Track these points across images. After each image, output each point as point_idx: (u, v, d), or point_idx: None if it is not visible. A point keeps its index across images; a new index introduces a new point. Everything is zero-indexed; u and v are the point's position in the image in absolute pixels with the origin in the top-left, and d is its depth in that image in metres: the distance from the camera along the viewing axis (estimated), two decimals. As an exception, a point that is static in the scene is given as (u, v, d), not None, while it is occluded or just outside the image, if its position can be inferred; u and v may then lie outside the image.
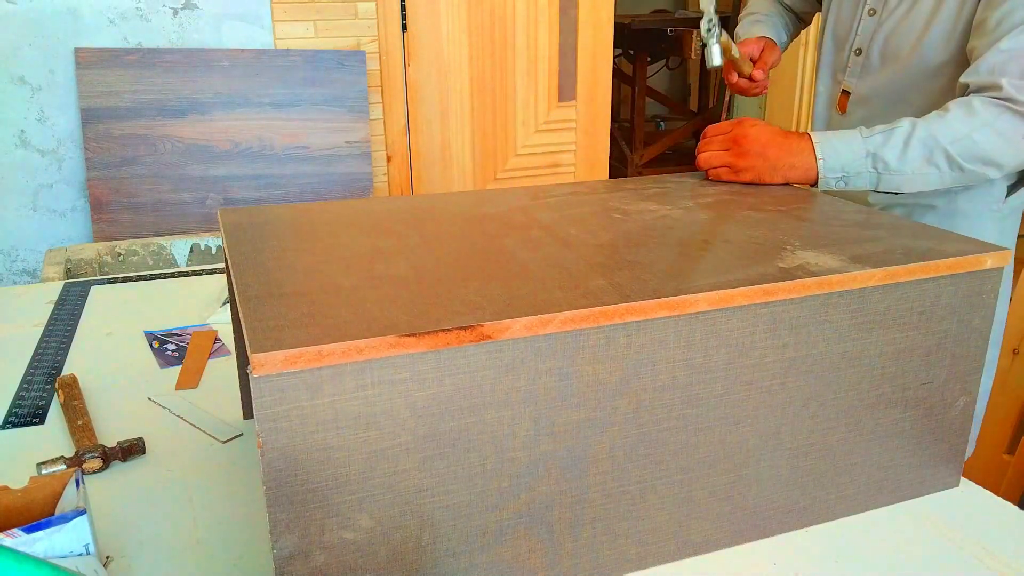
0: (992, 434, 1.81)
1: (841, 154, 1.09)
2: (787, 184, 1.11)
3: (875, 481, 0.86)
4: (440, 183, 2.79)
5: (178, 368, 1.17)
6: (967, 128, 1.05)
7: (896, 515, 0.87)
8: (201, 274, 1.59)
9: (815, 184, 1.11)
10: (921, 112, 1.15)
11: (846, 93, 1.33)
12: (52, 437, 0.99)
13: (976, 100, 1.07)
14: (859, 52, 1.29)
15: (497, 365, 0.65)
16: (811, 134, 1.11)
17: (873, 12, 1.26)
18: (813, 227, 0.90)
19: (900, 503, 0.88)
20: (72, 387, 1.07)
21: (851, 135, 1.10)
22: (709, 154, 1.14)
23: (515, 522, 0.71)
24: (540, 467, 0.70)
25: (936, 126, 1.07)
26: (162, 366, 1.18)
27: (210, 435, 0.99)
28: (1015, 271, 1.47)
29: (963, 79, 1.11)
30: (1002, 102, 1.05)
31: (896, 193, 1.12)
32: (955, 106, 1.08)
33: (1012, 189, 1.25)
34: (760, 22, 1.47)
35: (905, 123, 1.08)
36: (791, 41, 1.54)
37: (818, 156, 1.09)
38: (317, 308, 0.66)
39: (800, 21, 1.56)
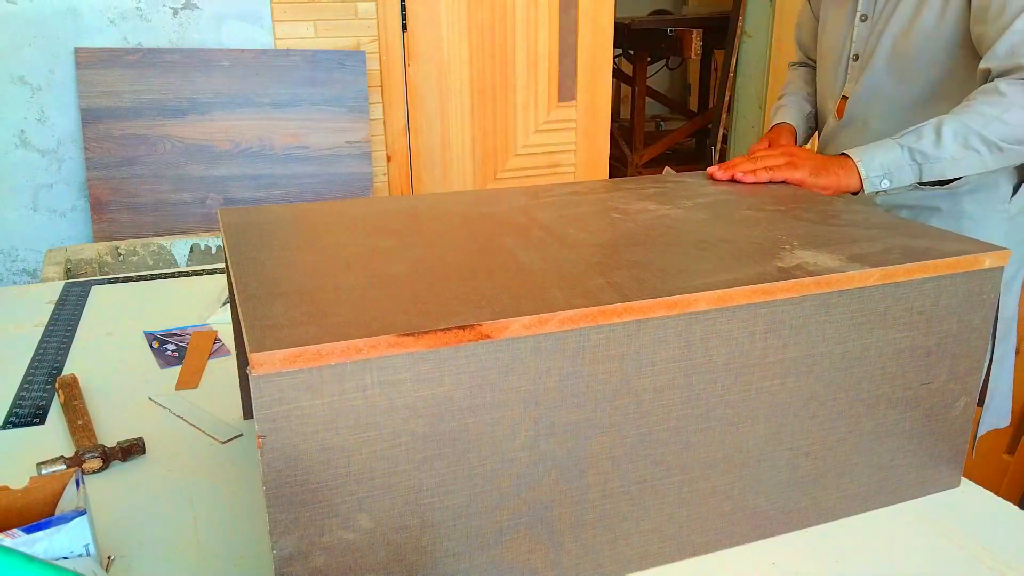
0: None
1: (877, 156, 1.11)
2: (843, 191, 1.12)
3: (875, 481, 0.86)
4: (440, 183, 2.79)
5: (178, 368, 1.17)
6: (996, 111, 1.07)
7: (896, 515, 0.87)
8: (201, 274, 1.59)
9: (861, 188, 1.12)
10: (918, 107, 1.16)
11: (844, 98, 1.33)
12: (52, 437, 0.99)
13: (1002, 83, 1.08)
14: (856, 58, 1.30)
15: (497, 365, 0.65)
16: (845, 152, 1.13)
17: (865, 18, 1.28)
18: (811, 227, 0.90)
19: (900, 503, 0.88)
20: (72, 387, 1.07)
21: (882, 141, 1.12)
22: (767, 157, 1.13)
23: (515, 522, 0.71)
24: (540, 467, 0.70)
25: (965, 116, 1.08)
26: (162, 366, 1.18)
27: (210, 435, 0.99)
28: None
29: (983, 64, 1.12)
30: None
31: (941, 183, 1.13)
32: (980, 94, 1.09)
33: (1017, 188, 1.25)
34: (783, 107, 1.49)
35: (931, 121, 1.10)
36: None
37: (856, 159, 1.11)
38: (316, 308, 0.66)
39: None
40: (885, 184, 1.11)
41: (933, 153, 1.08)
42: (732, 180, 1.12)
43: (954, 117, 1.09)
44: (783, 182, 1.12)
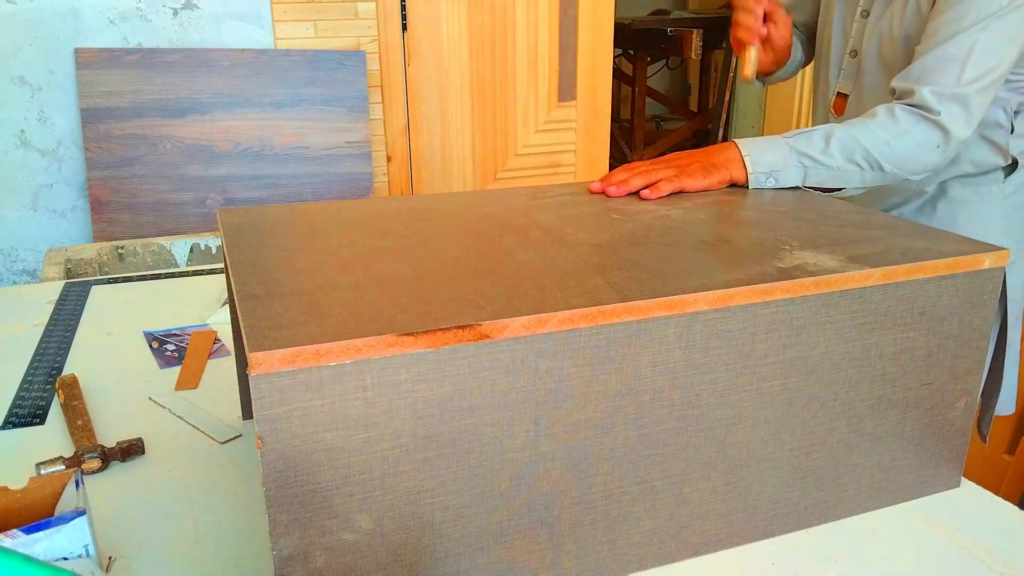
0: (992, 434, 1.81)
1: (765, 152, 1.10)
2: (732, 183, 1.10)
3: (876, 482, 0.86)
4: (440, 183, 2.79)
5: (178, 368, 1.17)
6: (887, 135, 1.09)
7: (896, 515, 0.86)
8: (201, 274, 1.59)
9: (747, 183, 1.11)
10: None
11: (842, 95, 1.33)
12: (52, 437, 0.99)
13: (898, 109, 1.11)
14: (854, 54, 1.30)
15: (497, 366, 0.65)
16: (735, 140, 1.13)
17: (866, 14, 1.28)
18: (811, 227, 0.90)
19: (900, 503, 0.88)
20: (72, 387, 1.07)
21: (772, 137, 1.13)
22: (649, 169, 1.08)
23: (516, 523, 0.70)
24: (540, 468, 0.70)
25: (857, 129, 1.10)
26: (162, 366, 1.18)
27: (209, 436, 0.99)
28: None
29: (892, 83, 1.15)
30: (918, 110, 1.09)
31: (830, 190, 1.13)
32: (881, 112, 1.12)
33: (1009, 170, 1.25)
34: None
35: (823, 126, 1.12)
36: (807, 61, 1.51)
37: (744, 153, 1.10)
38: (316, 307, 0.66)
39: (811, 44, 1.54)
40: (771, 183, 1.11)
41: (820, 159, 1.10)
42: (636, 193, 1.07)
43: (845, 129, 1.10)
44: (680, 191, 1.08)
